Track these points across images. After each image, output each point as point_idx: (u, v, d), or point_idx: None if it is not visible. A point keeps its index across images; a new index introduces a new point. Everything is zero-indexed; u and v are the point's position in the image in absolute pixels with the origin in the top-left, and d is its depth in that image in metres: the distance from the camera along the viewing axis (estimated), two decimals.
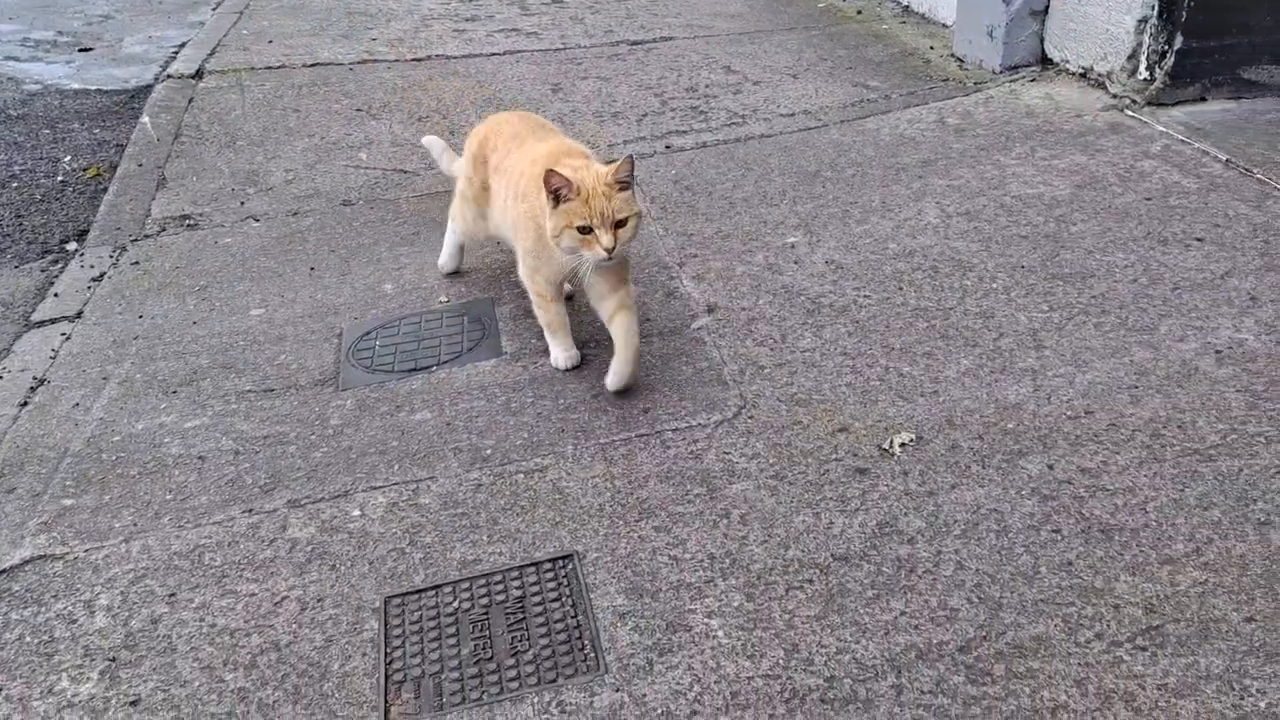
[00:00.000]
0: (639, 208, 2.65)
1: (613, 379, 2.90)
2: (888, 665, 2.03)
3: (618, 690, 2.02)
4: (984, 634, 2.07)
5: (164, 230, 4.25)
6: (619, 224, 2.59)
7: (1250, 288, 3.19)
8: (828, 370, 2.98)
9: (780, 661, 2.05)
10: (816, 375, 2.95)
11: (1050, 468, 2.50)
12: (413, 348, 3.27)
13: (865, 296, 3.35)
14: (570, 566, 2.36)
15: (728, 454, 2.66)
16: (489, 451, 2.75)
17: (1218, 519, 2.28)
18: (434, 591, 2.32)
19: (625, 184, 2.60)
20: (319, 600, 2.31)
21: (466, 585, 2.33)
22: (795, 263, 3.60)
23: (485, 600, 2.29)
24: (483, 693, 2.05)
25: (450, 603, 2.29)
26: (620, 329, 2.85)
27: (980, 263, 3.49)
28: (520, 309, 3.38)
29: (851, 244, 3.70)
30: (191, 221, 4.31)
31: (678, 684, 2.02)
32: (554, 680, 2.06)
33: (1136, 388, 2.76)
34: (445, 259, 3.71)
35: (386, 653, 2.17)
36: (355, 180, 4.61)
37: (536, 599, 2.28)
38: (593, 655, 2.12)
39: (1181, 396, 2.70)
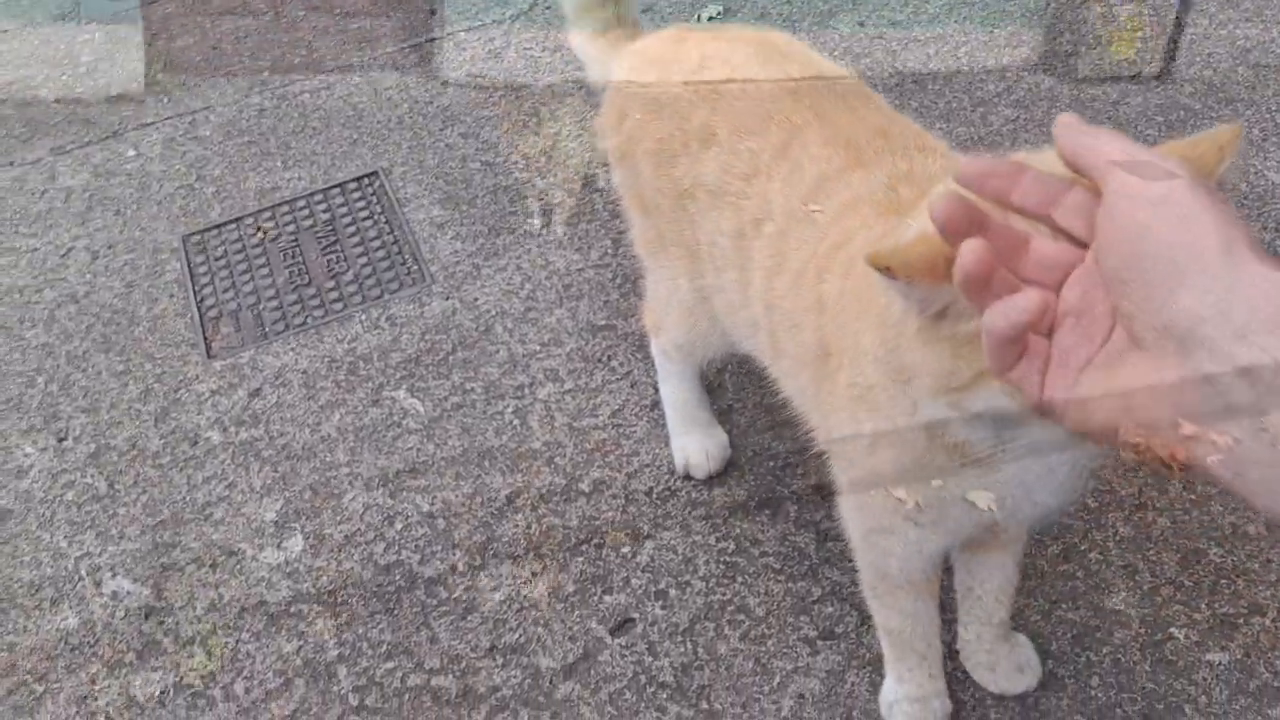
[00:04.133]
0: None
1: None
2: None
3: (448, 298, 1.98)
4: None
5: None
6: None
7: None
8: None
9: (609, 250, 2.03)
10: None
11: None
12: None
13: None
14: (378, 184, 2.23)
15: (528, 49, 2.51)
16: (265, 74, 2.52)
17: None
18: (235, 224, 2.18)
19: None
20: (109, 247, 2.14)
21: (269, 214, 2.19)
22: None
23: (292, 227, 2.16)
24: (306, 317, 1.98)
25: (254, 234, 2.16)
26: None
27: None
28: None
29: None
30: None
31: (508, 284, 1.99)
32: (379, 297, 2.00)
33: None
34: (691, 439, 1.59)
35: (195, 291, 2.05)
36: None
37: (347, 220, 2.17)
38: (416, 268, 2.05)
39: None
